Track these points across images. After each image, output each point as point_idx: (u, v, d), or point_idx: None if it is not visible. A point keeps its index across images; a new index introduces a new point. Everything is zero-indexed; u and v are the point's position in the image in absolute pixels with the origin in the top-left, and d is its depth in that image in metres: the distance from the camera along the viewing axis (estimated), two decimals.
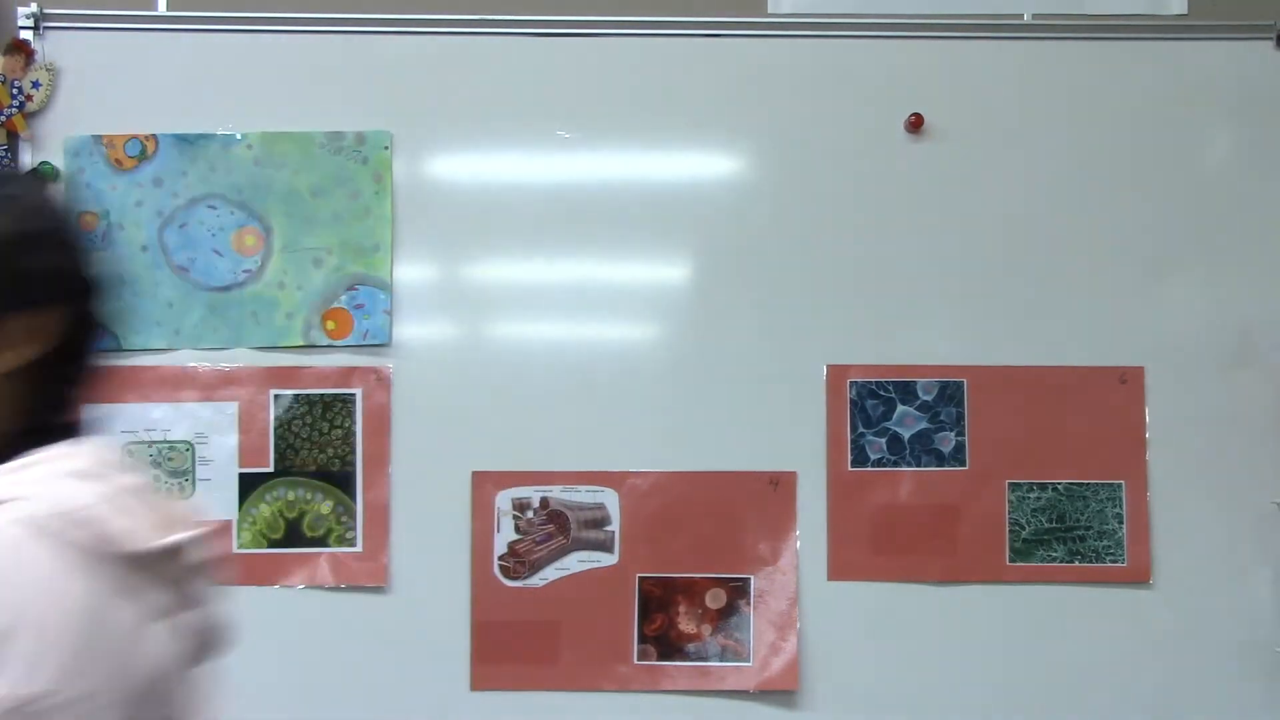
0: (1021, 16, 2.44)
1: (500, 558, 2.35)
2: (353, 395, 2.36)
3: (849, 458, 2.36)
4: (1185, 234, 2.40)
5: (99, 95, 2.39)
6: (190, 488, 2.35)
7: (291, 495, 2.35)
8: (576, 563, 2.35)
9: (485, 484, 2.35)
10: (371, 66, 2.40)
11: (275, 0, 2.40)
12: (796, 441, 2.36)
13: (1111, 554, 2.35)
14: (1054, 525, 2.35)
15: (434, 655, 2.33)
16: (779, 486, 2.36)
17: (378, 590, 2.34)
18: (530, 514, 2.35)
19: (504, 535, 2.35)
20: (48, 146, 2.38)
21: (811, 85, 2.43)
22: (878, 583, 2.36)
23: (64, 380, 1.12)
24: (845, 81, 2.42)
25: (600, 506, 2.35)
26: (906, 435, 2.37)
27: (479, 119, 2.40)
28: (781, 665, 2.33)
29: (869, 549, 2.36)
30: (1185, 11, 2.46)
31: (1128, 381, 2.38)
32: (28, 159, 2.38)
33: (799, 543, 2.35)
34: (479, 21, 2.41)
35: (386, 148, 2.39)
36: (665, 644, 2.34)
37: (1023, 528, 2.35)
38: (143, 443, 2.35)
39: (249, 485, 2.35)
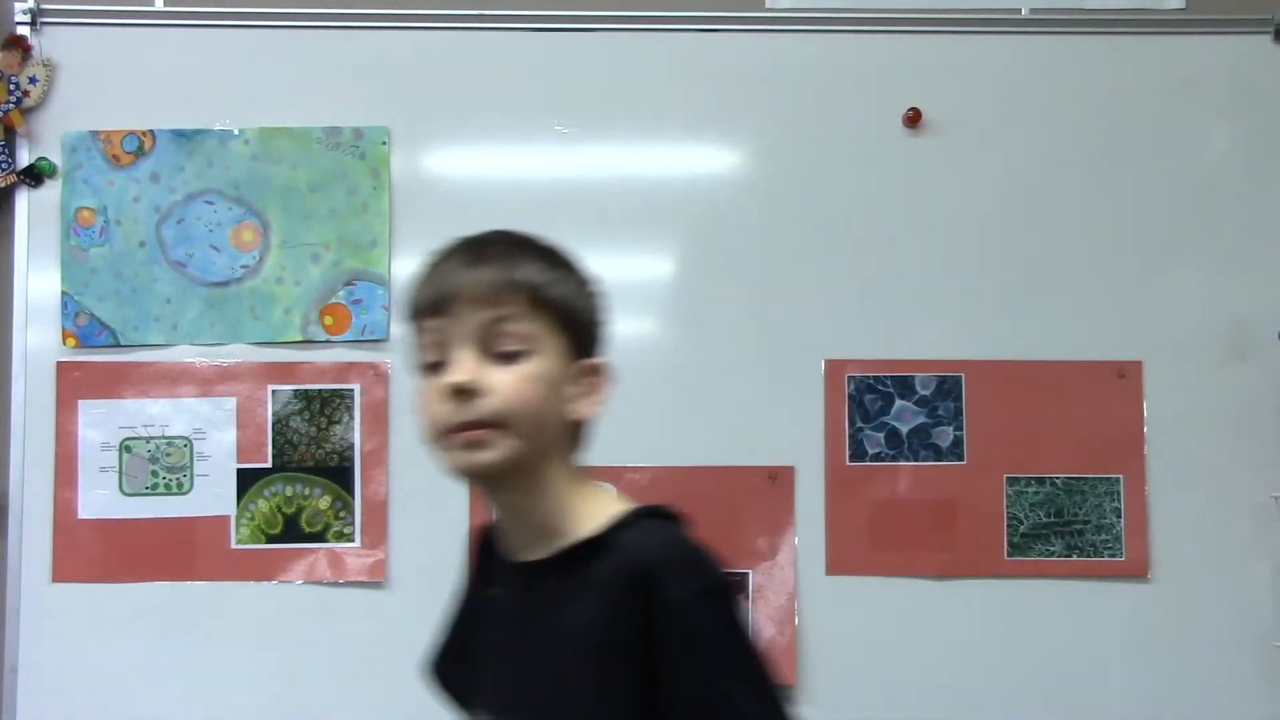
0: (1019, 11, 2.44)
1: None
2: (351, 390, 2.36)
3: (847, 452, 2.36)
4: (1183, 228, 2.41)
5: (96, 91, 2.39)
6: (188, 483, 2.35)
7: (290, 491, 2.35)
8: None
9: None
10: (369, 62, 2.40)
11: None
12: (794, 436, 2.36)
13: (1109, 548, 2.35)
14: (1052, 519, 2.35)
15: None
16: (777, 481, 2.36)
17: (376, 585, 2.34)
18: None
19: None
20: (45, 142, 2.38)
21: (809, 80, 2.43)
22: (876, 577, 2.36)
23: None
24: (843, 76, 2.42)
25: None
26: (904, 430, 2.37)
27: (477, 114, 2.41)
28: (780, 660, 2.33)
29: (867, 544, 2.36)
30: (1183, 6, 2.46)
31: (1126, 376, 2.38)
32: (25, 155, 2.38)
33: (797, 538, 2.35)
34: (476, 16, 2.41)
35: (384, 143, 2.39)
36: None
37: (1021, 522, 2.35)
38: (141, 438, 2.34)
39: (247, 481, 2.35)
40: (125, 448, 2.35)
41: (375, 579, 2.34)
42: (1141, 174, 2.41)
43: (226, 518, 2.34)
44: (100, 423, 2.35)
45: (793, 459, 2.36)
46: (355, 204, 2.38)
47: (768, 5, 2.45)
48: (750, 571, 2.35)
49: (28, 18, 2.38)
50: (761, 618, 2.33)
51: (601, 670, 1.11)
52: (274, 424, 2.36)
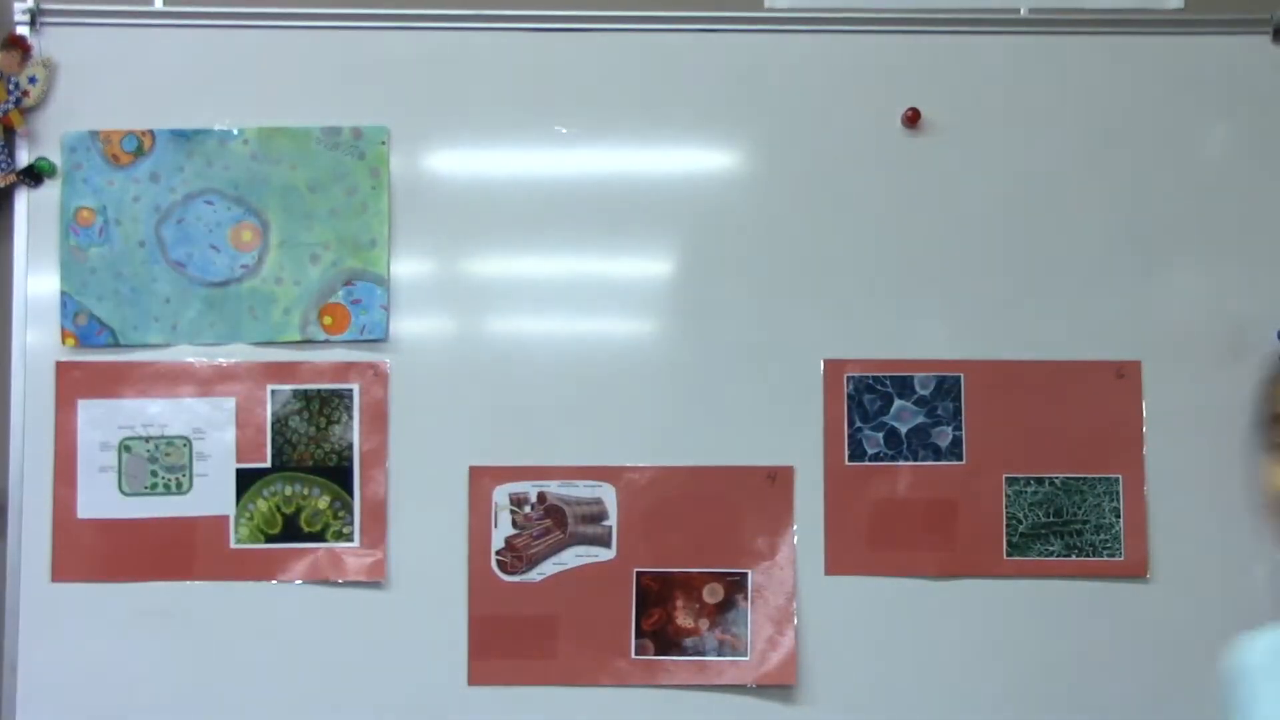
0: (1018, 11, 2.44)
1: (498, 553, 2.35)
2: (350, 390, 2.36)
3: (846, 452, 2.36)
4: (1182, 228, 2.41)
5: (96, 91, 2.39)
6: (188, 483, 2.35)
7: (289, 490, 2.35)
8: (574, 558, 2.35)
9: (482, 479, 2.35)
10: (369, 62, 2.40)
11: None
12: (794, 436, 2.36)
13: (1108, 548, 2.35)
14: (1051, 519, 2.35)
15: (431, 650, 2.33)
16: (776, 481, 2.36)
17: (375, 585, 2.34)
18: (528, 509, 2.35)
19: (501, 530, 2.35)
20: (45, 142, 2.38)
21: (808, 80, 2.43)
22: (875, 577, 2.36)
23: None
24: (842, 76, 2.43)
25: (598, 501, 2.35)
26: (904, 430, 2.37)
27: (476, 114, 2.41)
28: (779, 660, 2.33)
29: (866, 544, 2.36)
30: (1181, 5, 2.46)
31: (1125, 376, 2.38)
32: (24, 155, 2.38)
33: (796, 537, 2.35)
34: (476, 16, 2.41)
35: (384, 143, 2.39)
36: (663, 639, 2.34)
37: (1020, 522, 2.36)
38: (140, 438, 2.35)
39: (246, 481, 2.35)
40: (125, 447, 2.35)
41: (374, 579, 2.34)
42: (1140, 174, 2.41)
43: (226, 517, 2.34)
44: (100, 422, 2.35)
45: (792, 459, 2.36)
46: (354, 204, 2.38)
47: (767, 5, 2.46)
48: (750, 571, 2.35)
49: (27, 17, 2.38)
50: (761, 618, 2.34)
51: None
52: (273, 424, 2.36)
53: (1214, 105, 2.43)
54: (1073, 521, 2.36)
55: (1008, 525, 2.36)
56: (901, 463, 2.37)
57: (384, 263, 2.37)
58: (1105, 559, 2.35)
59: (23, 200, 2.38)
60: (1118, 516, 2.36)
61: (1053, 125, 2.41)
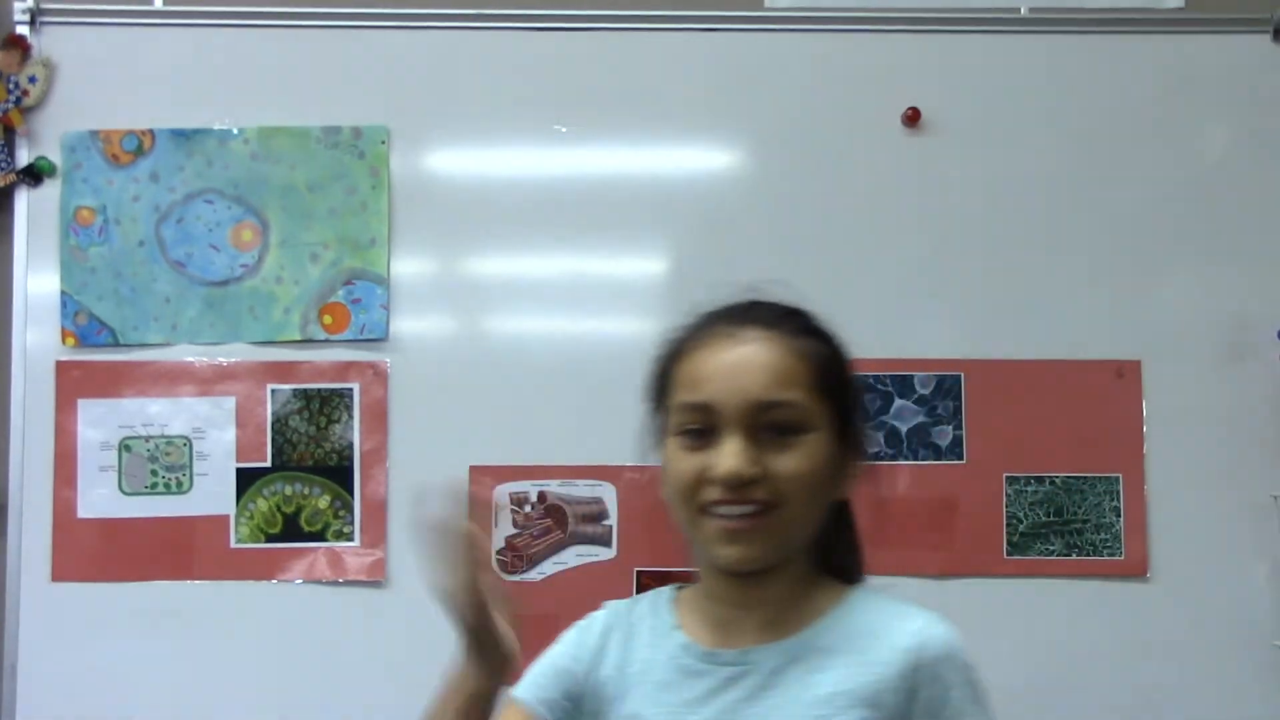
0: (1018, 10, 2.44)
1: (498, 552, 2.34)
2: (350, 390, 2.36)
3: None
4: (1182, 227, 2.40)
5: (96, 90, 2.39)
6: (188, 483, 2.35)
7: (289, 490, 2.35)
8: (574, 557, 2.35)
9: (483, 478, 2.35)
10: (368, 61, 2.40)
11: None
12: None
13: (1109, 547, 2.35)
14: (1051, 519, 2.35)
15: (431, 650, 2.29)
16: None
17: (375, 585, 2.34)
18: (528, 508, 2.35)
19: (501, 530, 2.35)
20: (44, 142, 2.38)
21: (808, 80, 2.43)
22: (875, 577, 2.35)
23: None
24: (842, 76, 2.43)
25: (598, 501, 2.35)
26: (904, 429, 2.37)
27: (476, 114, 2.41)
28: None
29: (866, 543, 2.35)
30: (1182, 5, 2.46)
31: (1125, 375, 2.38)
32: (24, 154, 2.38)
33: None
34: (476, 16, 2.41)
35: (383, 142, 2.39)
36: None
37: (1020, 521, 2.35)
38: (140, 437, 2.34)
39: (246, 480, 2.35)
40: (125, 447, 2.35)
41: (374, 578, 2.34)
42: (1140, 173, 2.41)
43: (226, 517, 2.34)
44: (100, 422, 2.35)
45: None
46: (354, 203, 2.38)
47: (767, 5, 2.45)
48: None
49: (27, 17, 2.38)
50: None
51: None
52: (273, 423, 2.36)
53: (1214, 105, 2.43)
54: (1073, 521, 2.35)
55: (1008, 524, 2.36)
56: (901, 462, 2.36)
57: (384, 262, 2.37)
58: (1105, 558, 2.35)
59: (23, 200, 2.38)
60: (1118, 516, 2.36)
61: (1053, 125, 2.41)
